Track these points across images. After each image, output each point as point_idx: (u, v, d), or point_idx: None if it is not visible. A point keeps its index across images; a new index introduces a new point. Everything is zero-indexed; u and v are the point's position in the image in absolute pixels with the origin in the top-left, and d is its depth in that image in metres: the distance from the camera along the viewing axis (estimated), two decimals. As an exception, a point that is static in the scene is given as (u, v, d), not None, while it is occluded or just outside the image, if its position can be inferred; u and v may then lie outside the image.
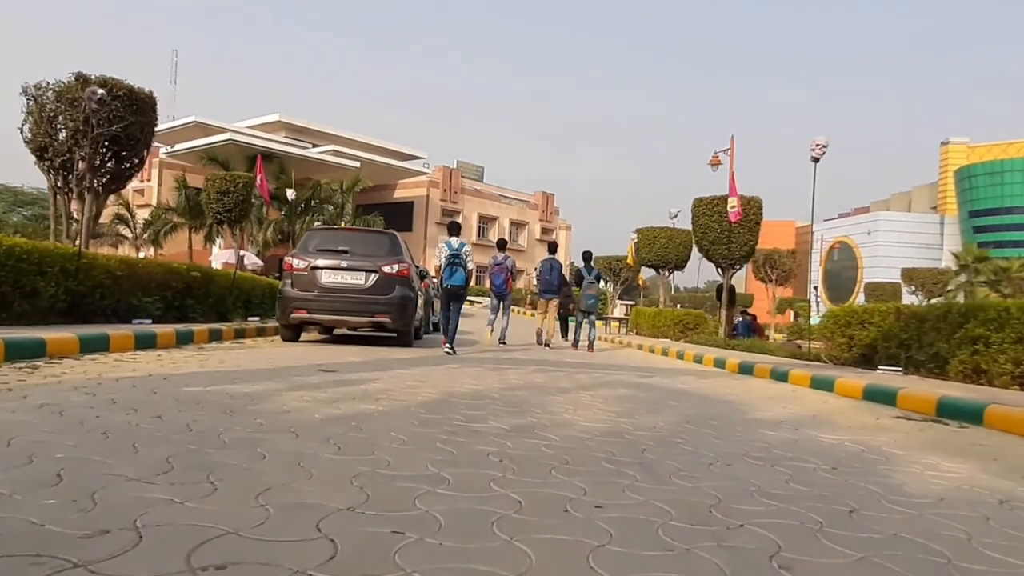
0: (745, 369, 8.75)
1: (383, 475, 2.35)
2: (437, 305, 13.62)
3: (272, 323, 11.09)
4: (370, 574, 1.49)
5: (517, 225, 58.73)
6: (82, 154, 9.12)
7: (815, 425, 4.34)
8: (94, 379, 4.42)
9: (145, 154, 10.44)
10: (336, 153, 44.64)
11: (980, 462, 3.33)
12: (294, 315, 9.42)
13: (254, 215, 33.62)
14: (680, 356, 11.57)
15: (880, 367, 7.93)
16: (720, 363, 9.73)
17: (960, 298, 43.08)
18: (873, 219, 65.71)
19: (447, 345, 9.96)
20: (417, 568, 1.54)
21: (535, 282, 17.50)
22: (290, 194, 26.74)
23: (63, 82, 9.55)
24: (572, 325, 13.54)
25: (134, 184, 47.06)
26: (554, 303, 12.83)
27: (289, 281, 9.51)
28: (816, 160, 9.36)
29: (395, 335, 10.09)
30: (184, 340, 8.03)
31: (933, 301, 39.53)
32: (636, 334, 20.01)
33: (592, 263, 13.00)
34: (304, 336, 11.02)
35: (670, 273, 24.13)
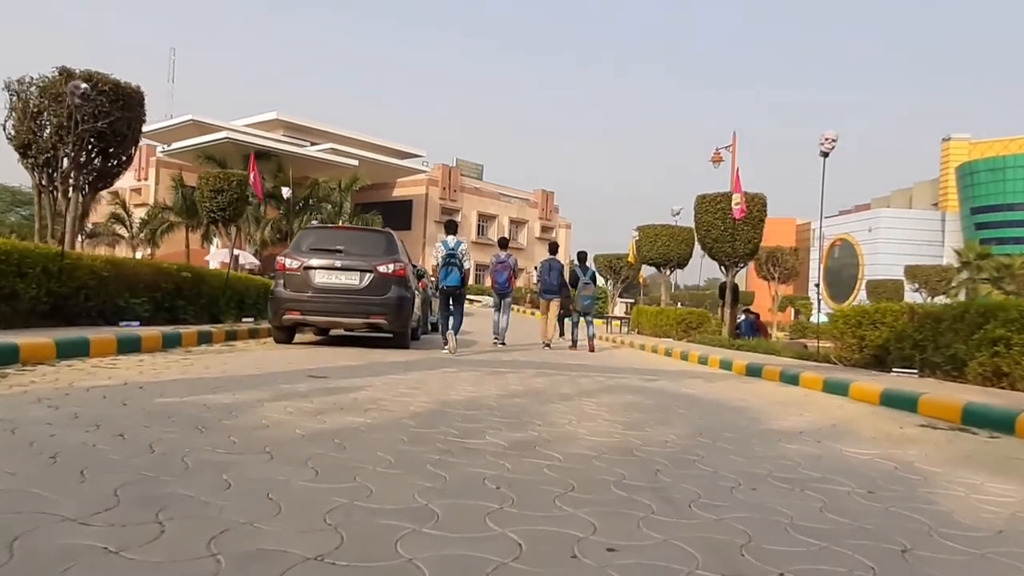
0: (753, 371, 8.45)
1: (362, 509, 2.05)
2: (435, 305, 13.32)
3: (266, 324, 10.78)
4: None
5: (517, 223, 58.39)
6: (67, 151, 8.80)
7: (837, 436, 4.04)
8: (63, 389, 4.12)
9: (133, 151, 10.14)
10: (334, 151, 44.32)
11: (1025, 481, 3.03)
12: (287, 317, 9.13)
13: (251, 214, 33.36)
14: (684, 357, 11.27)
15: (894, 369, 7.63)
16: (726, 364, 9.44)
17: (962, 295, 42.80)
18: (874, 216, 65.40)
19: (447, 347, 9.68)
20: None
21: (535, 281, 17.32)
22: (285, 192, 26.42)
23: (47, 77, 9.23)
24: (568, 324, 13.35)
25: (131, 183, 46.86)
26: (555, 303, 12.66)
27: (282, 281, 9.22)
28: (825, 155, 9.05)
29: (391, 336, 9.81)
30: (171, 343, 7.72)
31: (937, 299, 39.25)
32: (638, 333, 19.71)
33: (587, 263, 12.83)
34: (299, 337, 10.72)
35: (672, 271, 23.84)
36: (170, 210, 36.14)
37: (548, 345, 12.30)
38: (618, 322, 23.86)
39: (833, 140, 8.91)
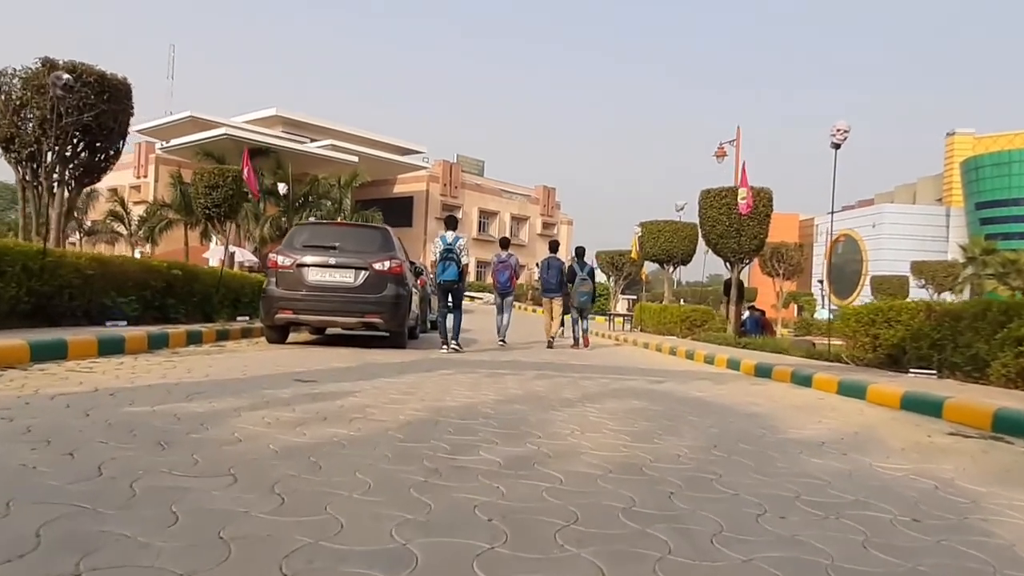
0: (763, 372, 8.13)
1: (328, 552, 1.74)
2: (435, 302, 13.02)
3: (260, 324, 10.48)
4: None
5: (518, 220, 58.04)
6: (51, 144, 8.48)
7: (862, 447, 3.72)
8: (25, 396, 3.81)
9: (121, 145, 9.81)
10: (334, 148, 44.02)
11: (1081, 502, 2.71)
12: (279, 316, 8.83)
13: (251, 211, 33.07)
14: (690, 356, 10.96)
15: (911, 370, 7.31)
16: (734, 364, 9.12)
17: (967, 291, 42.38)
18: (877, 212, 64.91)
19: (445, 347, 9.39)
20: None
21: (536, 278, 17.12)
22: (281, 188, 26.07)
23: (30, 68, 8.91)
24: (568, 320, 13.16)
25: (130, 180, 46.60)
26: (557, 301, 12.46)
27: (274, 279, 8.92)
28: (837, 146, 8.71)
29: (388, 336, 9.51)
30: (157, 344, 7.42)
31: (944, 295, 38.86)
32: (641, 331, 19.38)
33: (585, 259, 12.62)
34: (294, 337, 10.43)
35: (675, 268, 23.49)
36: (169, 207, 35.84)
37: (551, 344, 12.12)
38: (621, 319, 23.51)
39: (845, 131, 8.57)
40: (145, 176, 45.87)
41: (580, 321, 12.55)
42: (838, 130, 8.57)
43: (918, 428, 4.52)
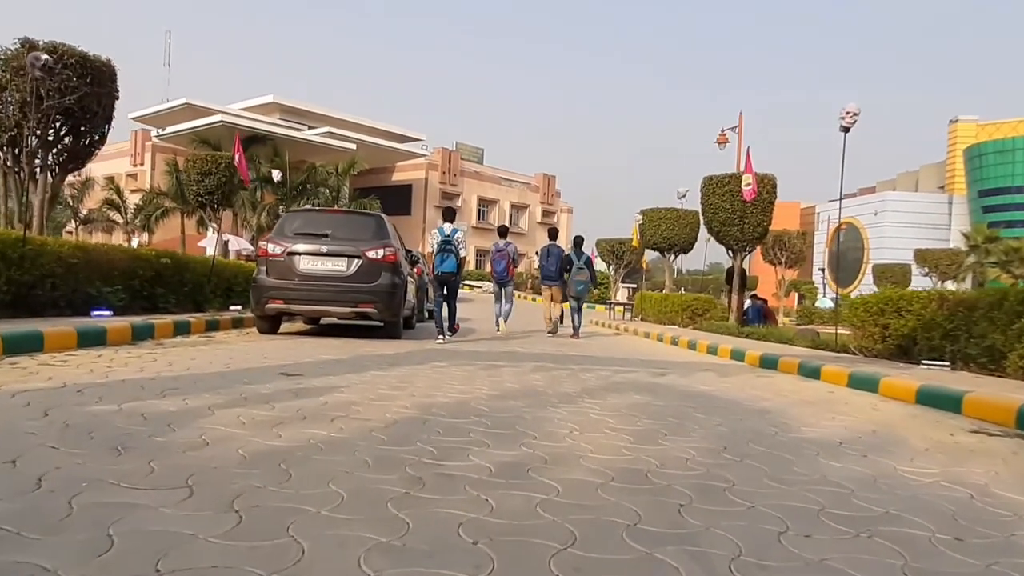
0: (768, 363, 7.87)
1: (281, 589, 1.48)
2: (432, 292, 12.79)
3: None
4: None
5: (518, 208, 57.65)
6: (32, 128, 8.18)
7: (883, 448, 3.46)
8: (-16, 394, 3.56)
9: (106, 130, 9.48)
10: (332, 135, 43.57)
11: None
12: (269, 306, 8.57)
13: (247, 199, 32.72)
14: (692, 346, 10.70)
15: (924, 362, 7.05)
16: (738, 355, 8.86)
17: (968, 280, 42.05)
18: (879, 199, 64.48)
19: (440, 337, 9.16)
20: None
21: (536, 267, 16.97)
22: (275, 175, 25.70)
23: (9, 49, 8.59)
24: (567, 309, 12.98)
25: (127, 168, 46.16)
26: (556, 289, 12.29)
27: (264, 268, 8.65)
28: (846, 129, 8.40)
29: (383, 326, 9.26)
30: (142, 335, 7.15)
31: (947, 284, 38.56)
32: (641, 320, 19.13)
33: (583, 249, 12.40)
34: (287, 327, 10.18)
35: (676, 256, 23.20)
36: (165, 196, 35.44)
37: (552, 332, 11.96)
38: (621, 308, 23.24)
39: (855, 114, 8.25)
40: (141, 164, 45.43)
41: (576, 311, 12.39)
42: (848, 112, 8.26)
43: (938, 425, 4.26)
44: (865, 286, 47.45)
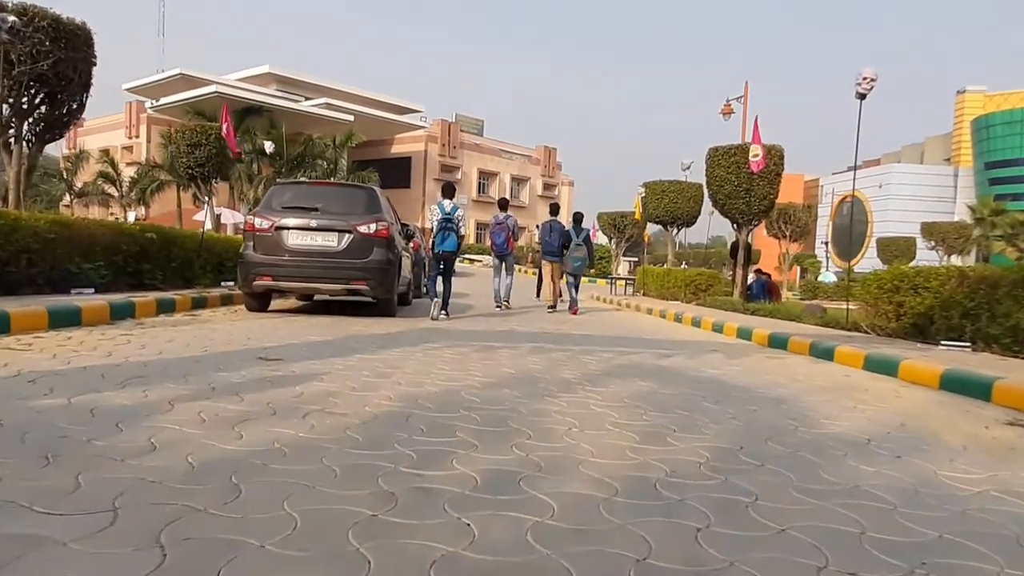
0: (778, 342, 7.53)
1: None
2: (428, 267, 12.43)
3: (244, 290, 9.87)
4: None
5: (518, 181, 56.99)
6: (4, 96, 7.75)
7: (916, 446, 3.12)
8: (-78, 386, 3.22)
9: (84, 98, 9.04)
10: (329, 107, 42.87)
11: None
12: (257, 283, 8.22)
13: (244, 172, 32.20)
14: (696, 323, 10.36)
15: (943, 342, 6.70)
16: (745, 333, 8.52)
17: (973, 253, 41.57)
18: (884, 172, 63.75)
19: (440, 312, 8.85)
20: None
21: (537, 241, 16.70)
22: (268, 146, 25.17)
23: (-23, 12, 8.11)
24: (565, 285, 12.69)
25: (122, 141, 45.47)
26: (557, 265, 12.01)
27: (251, 243, 8.27)
28: (862, 96, 7.94)
29: (376, 303, 8.92)
30: (121, 314, 6.81)
31: (953, 258, 38.12)
32: (643, 295, 18.77)
33: (583, 225, 12.06)
34: (279, 303, 9.85)
35: (679, 230, 22.77)
36: (160, 168, 34.90)
37: (553, 308, 11.71)
38: (623, 283, 22.88)
39: (872, 80, 7.80)
40: (137, 136, 44.76)
41: (573, 287, 12.09)
42: (864, 78, 7.80)
43: (969, 416, 3.92)
44: (868, 260, 46.99)
